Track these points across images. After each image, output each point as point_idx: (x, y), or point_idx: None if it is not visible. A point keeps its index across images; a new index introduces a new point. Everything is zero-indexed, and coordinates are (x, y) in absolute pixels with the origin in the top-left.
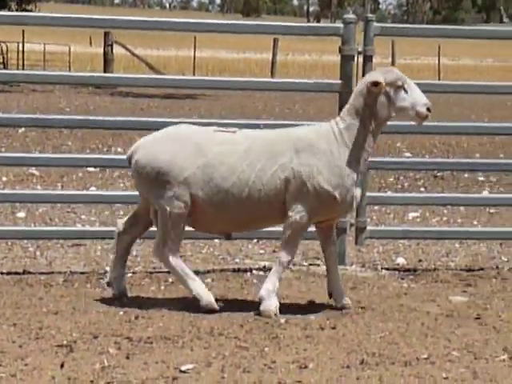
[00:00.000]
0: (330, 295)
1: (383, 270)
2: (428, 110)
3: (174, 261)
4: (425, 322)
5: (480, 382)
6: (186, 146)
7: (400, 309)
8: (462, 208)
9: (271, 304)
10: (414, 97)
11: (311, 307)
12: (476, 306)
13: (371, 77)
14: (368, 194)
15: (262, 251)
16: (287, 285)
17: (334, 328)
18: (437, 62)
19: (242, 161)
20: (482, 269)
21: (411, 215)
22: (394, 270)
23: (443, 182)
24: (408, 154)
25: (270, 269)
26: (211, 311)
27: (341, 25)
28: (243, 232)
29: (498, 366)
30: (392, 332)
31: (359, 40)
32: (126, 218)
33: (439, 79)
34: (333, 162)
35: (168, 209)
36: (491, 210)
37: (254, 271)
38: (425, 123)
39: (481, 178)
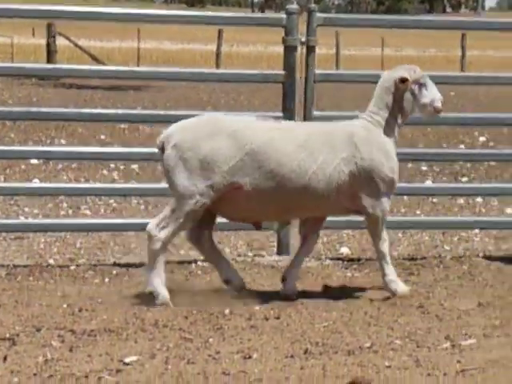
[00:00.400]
0: (284, 279)
1: (327, 260)
2: (441, 104)
3: (159, 249)
4: (368, 311)
5: (422, 370)
6: (228, 135)
7: (344, 298)
8: (405, 197)
9: (403, 286)
10: (433, 93)
11: (256, 298)
12: (419, 295)
13: (398, 73)
14: None
15: None
16: None
17: (278, 318)
18: (380, 52)
19: (301, 150)
20: (424, 258)
21: None
22: (338, 259)
23: None
24: None
25: None
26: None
27: (284, 15)
28: (278, 221)
29: (440, 354)
30: (336, 321)
31: (304, 31)
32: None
33: (382, 69)
34: (387, 151)
35: (197, 197)
36: (434, 200)
37: (199, 263)
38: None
39: (424, 168)
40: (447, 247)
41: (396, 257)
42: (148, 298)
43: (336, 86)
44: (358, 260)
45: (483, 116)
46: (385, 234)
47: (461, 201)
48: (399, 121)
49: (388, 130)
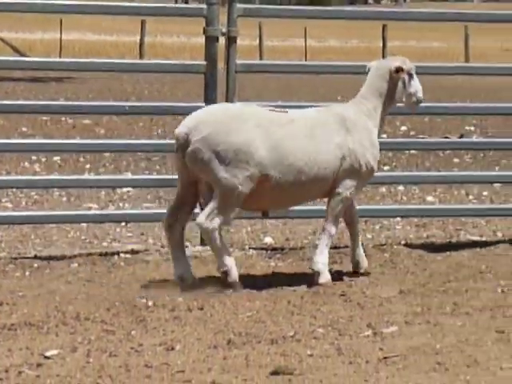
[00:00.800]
0: (357, 265)
1: (251, 250)
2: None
3: (218, 235)
4: (291, 300)
5: (344, 358)
6: (255, 126)
7: (267, 287)
8: None
9: (328, 275)
10: (417, 84)
11: (179, 289)
12: (341, 283)
13: (394, 63)
14: None
15: (129, 234)
16: (155, 267)
17: (201, 309)
18: (304, 43)
19: (309, 140)
20: (346, 246)
21: None
22: (262, 249)
23: None
24: None
25: (137, 251)
26: (233, 287)
27: (204, 5)
28: (287, 207)
29: (361, 341)
30: (259, 311)
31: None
32: (169, 211)
33: (306, 60)
34: (373, 139)
35: (240, 188)
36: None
37: (122, 254)
38: (291, 103)
39: None
40: (369, 235)
41: None
42: (68, 290)
43: (260, 76)
44: (282, 249)
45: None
46: (339, 220)
47: (383, 189)
48: (387, 109)
49: (376, 117)
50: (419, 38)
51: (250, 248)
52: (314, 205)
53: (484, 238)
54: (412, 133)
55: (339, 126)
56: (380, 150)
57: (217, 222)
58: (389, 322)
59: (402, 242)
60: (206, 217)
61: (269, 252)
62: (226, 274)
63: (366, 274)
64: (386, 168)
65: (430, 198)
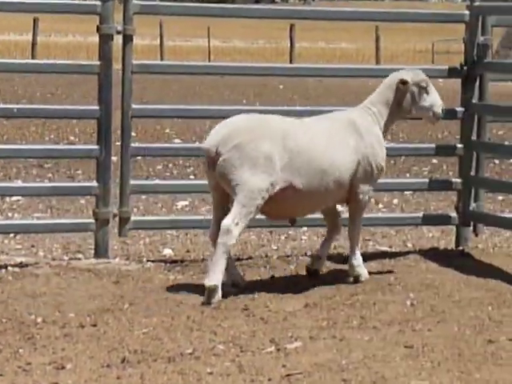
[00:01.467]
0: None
1: (149, 263)
2: (442, 111)
3: (231, 244)
4: (190, 316)
5: (246, 375)
6: (279, 133)
7: (165, 302)
8: None
9: (365, 270)
10: (434, 98)
11: (71, 304)
12: (244, 297)
13: (402, 75)
14: (133, 182)
15: (18, 246)
16: (45, 281)
17: (94, 325)
18: (207, 44)
19: (328, 146)
20: (250, 258)
21: (180, 204)
22: (161, 261)
23: None
24: (178, 140)
25: (27, 265)
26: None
27: (98, 2)
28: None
29: (264, 358)
30: (156, 327)
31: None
32: (213, 229)
33: (209, 61)
34: (381, 142)
35: (264, 193)
36: None
37: (10, 268)
38: (191, 106)
39: None
40: (274, 246)
41: None
42: None
43: (162, 78)
44: (182, 262)
45: (312, 110)
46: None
47: None
48: (394, 119)
49: (380, 121)
50: (328, 38)
51: (147, 260)
52: None
53: (393, 249)
54: None
55: (351, 130)
56: None
57: (238, 229)
58: (293, 338)
59: (308, 253)
60: (231, 221)
61: (168, 264)
62: (212, 290)
63: (271, 286)
64: None
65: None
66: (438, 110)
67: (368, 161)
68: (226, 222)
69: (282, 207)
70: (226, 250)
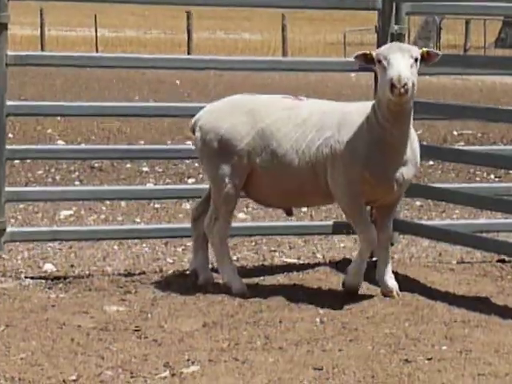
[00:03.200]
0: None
1: (27, 280)
2: None
3: (219, 242)
4: (75, 338)
5: None
6: (244, 113)
7: (46, 324)
8: (123, 203)
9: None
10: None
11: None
12: (136, 317)
13: None
14: (9, 189)
15: None
16: None
17: None
18: (94, 33)
19: (297, 129)
20: (143, 273)
21: (63, 214)
22: (41, 278)
23: (102, 173)
24: (61, 142)
25: None
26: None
27: None
28: (296, 207)
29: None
30: (35, 352)
31: None
32: (196, 205)
33: (97, 52)
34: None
35: (226, 181)
36: (156, 205)
37: None
38: (75, 103)
39: (145, 169)
40: (170, 260)
41: (110, 272)
42: None
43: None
44: (65, 278)
45: None
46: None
47: (187, 205)
48: None
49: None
50: (229, 28)
51: (26, 277)
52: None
53: (302, 261)
54: None
55: (333, 121)
56: (185, 158)
57: (217, 227)
58: (190, 361)
59: (209, 266)
60: (207, 223)
61: (49, 281)
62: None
63: (166, 304)
64: (190, 181)
65: (241, 215)
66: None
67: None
68: (204, 225)
69: (256, 192)
70: (217, 251)
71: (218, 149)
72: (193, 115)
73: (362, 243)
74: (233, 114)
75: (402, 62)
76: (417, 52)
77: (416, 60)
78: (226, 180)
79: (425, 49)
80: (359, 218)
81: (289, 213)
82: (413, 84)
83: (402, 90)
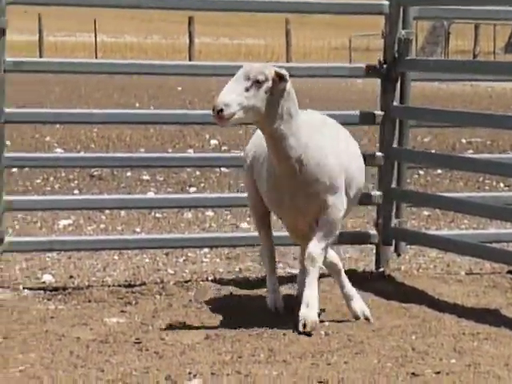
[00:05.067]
0: None
1: (26, 291)
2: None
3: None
4: (74, 351)
5: None
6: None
7: (45, 336)
8: (123, 213)
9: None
10: None
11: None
12: (136, 328)
13: None
14: (7, 197)
15: None
16: None
17: None
18: (93, 39)
19: None
20: (144, 284)
21: (62, 223)
22: (40, 289)
23: (102, 182)
24: (60, 150)
25: None
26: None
27: None
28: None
29: None
30: (34, 364)
31: None
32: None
33: (96, 58)
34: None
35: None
36: (157, 215)
37: None
38: (74, 110)
39: (146, 177)
40: (171, 270)
41: (110, 283)
42: None
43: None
44: (64, 289)
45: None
46: None
47: (188, 215)
48: None
49: None
50: (232, 34)
51: (24, 288)
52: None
53: None
54: (224, 147)
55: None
56: (186, 166)
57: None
58: (191, 374)
59: (210, 278)
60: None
61: (48, 292)
62: None
63: (167, 316)
64: (192, 190)
65: (244, 225)
66: None
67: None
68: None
69: None
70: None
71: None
72: (194, 122)
73: None
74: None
75: (229, 85)
76: (260, 73)
77: (258, 82)
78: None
79: (274, 69)
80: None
81: None
82: (248, 107)
83: (214, 113)
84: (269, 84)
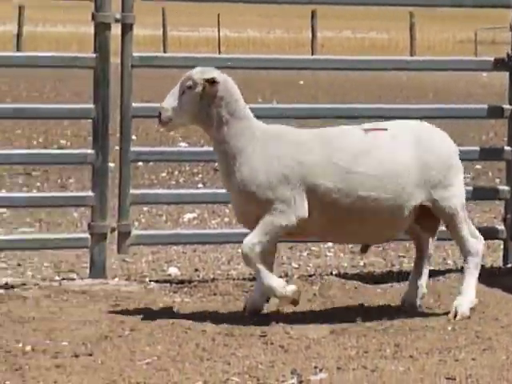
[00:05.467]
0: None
1: (152, 283)
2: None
3: None
4: (200, 343)
5: None
6: None
7: (171, 328)
8: None
9: None
10: None
11: (63, 331)
12: (261, 322)
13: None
14: (134, 191)
15: (3, 265)
16: (34, 304)
17: (90, 355)
18: (217, 34)
19: None
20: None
21: (187, 217)
22: (166, 282)
23: None
24: (184, 144)
25: (13, 286)
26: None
27: None
28: None
29: None
30: (161, 357)
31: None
32: None
33: (219, 53)
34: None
35: None
36: None
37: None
38: None
39: None
40: (295, 264)
41: (235, 276)
42: None
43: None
44: (190, 282)
45: (339, 107)
46: None
47: None
48: None
49: None
50: (355, 27)
51: (150, 281)
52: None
53: (432, 267)
54: None
55: None
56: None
57: None
58: (317, 368)
59: (334, 272)
60: None
61: (174, 285)
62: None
63: (291, 310)
64: None
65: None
66: None
67: None
68: None
69: None
70: None
71: None
72: (319, 117)
73: None
74: None
75: (172, 90)
76: (188, 79)
77: (190, 87)
78: None
79: (209, 74)
80: None
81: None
82: (181, 112)
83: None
84: (198, 89)
